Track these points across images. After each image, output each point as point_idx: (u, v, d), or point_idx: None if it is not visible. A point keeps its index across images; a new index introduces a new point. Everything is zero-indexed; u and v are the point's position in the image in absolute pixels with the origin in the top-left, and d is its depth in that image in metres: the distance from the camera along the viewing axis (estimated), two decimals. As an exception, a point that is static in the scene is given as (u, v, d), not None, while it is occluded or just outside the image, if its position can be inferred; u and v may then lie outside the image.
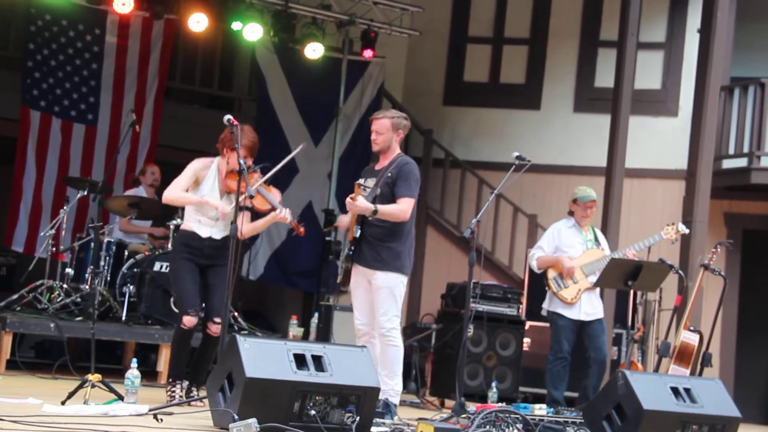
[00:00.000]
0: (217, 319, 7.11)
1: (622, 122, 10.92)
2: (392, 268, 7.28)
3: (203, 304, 7.25)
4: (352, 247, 7.33)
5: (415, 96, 14.33)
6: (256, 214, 7.26)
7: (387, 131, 7.35)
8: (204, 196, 7.10)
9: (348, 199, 7.18)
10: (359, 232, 7.29)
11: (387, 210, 7.19)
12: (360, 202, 7.13)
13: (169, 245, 9.73)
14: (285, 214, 7.07)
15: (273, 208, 7.14)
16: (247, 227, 7.18)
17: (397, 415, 7.27)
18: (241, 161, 6.85)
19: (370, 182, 7.38)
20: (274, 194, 7.24)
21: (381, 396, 6.97)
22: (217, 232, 7.17)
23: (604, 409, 6.64)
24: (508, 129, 13.87)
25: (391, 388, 7.27)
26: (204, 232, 7.14)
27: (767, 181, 12.54)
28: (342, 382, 5.90)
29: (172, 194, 7.09)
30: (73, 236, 10.38)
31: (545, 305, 8.96)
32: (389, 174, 7.29)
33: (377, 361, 7.20)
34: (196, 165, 7.15)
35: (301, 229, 7.25)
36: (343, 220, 7.58)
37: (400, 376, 7.41)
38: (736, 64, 13.17)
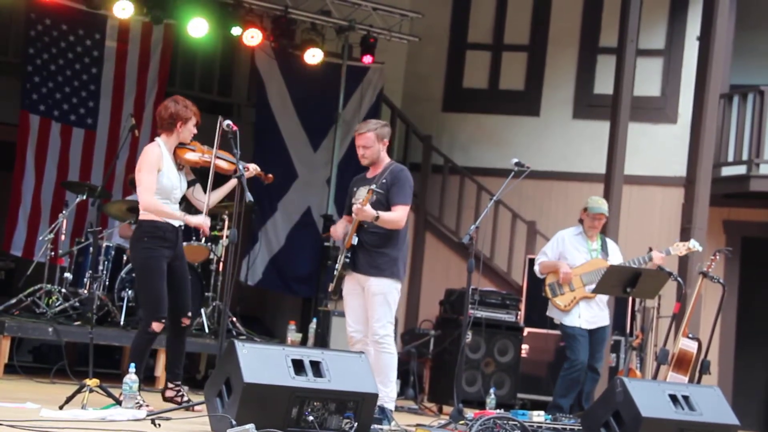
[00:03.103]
0: (189, 314, 7.20)
1: (622, 129, 10.92)
2: (387, 274, 7.30)
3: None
4: (349, 254, 7.35)
5: (414, 102, 14.34)
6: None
7: (374, 144, 7.41)
8: (171, 183, 7.01)
9: (358, 205, 7.20)
10: (356, 239, 7.32)
11: (387, 217, 7.24)
12: (368, 209, 7.15)
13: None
14: (252, 169, 7.16)
15: (236, 168, 7.11)
16: (213, 196, 7.15)
17: (394, 420, 7.27)
18: (240, 167, 6.89)
19: (364, 190, 7.39)
20: (230, 156, 7.21)
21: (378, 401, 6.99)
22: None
23: (603, 416, 6.64)
24: (508, 135, 13.88)
25: (386, 395, 7.26)
26: (176, 222, 7.06)
27: (766, 189, 12.55)
28: (340, 387, 5.90)
29: (152, 204, 6.94)
30: (72, 241, 10.37)
31: (548, 312, 8.97)
32: (384, 180, 7.34)
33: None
34: (152, 157, 6.97)
35: (270, 176, 7.38)
36: (337, 230, 7.56)
37: (395, 383, 7.42)
38: (735, 72, 13.19)
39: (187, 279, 7.20)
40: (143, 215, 7.05)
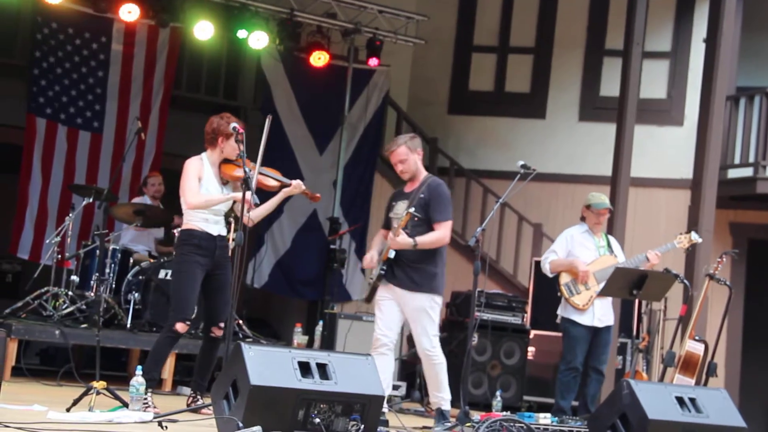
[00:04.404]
0: (222, 324, 7.16)
1: (628, 131, 10.91)
2: (426, 289, 7.43)
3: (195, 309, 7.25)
4: (384, 267, 7.45)
5: (420, 105, 14.34)
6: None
7: (408, 156, 7.54)
8: (209, 193, 7.09)
9: (390, 236, 7.35)
10: (393, 253, 7.43)
11: (427, 240, 7.37)
12: (401, 239, 7.29)
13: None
14: (300, 185, 7.20)
15: (282, 185, 7.20)
16: (256, 212, 7.20)
17: (449, 422, 7.41)
18: (247, 169, 6.89)
19: (402, 205, 7.51)
20: (275, 173, 7.30)
21: (434, 406, 7.51)
22: (223, 229, 7.19)
23: (609, 419, 6.64)
24: (514, 138, 13.87)
25: (442, 398, 7.51)
26: (214, 230, 7.13)
27: (773, 191, 12.53)
28: (346, 390, 5.90)
29: (198, 199, 7.03)
30: (79, 243, 10.38)
31: (559, 311, 8.90)
32: (422, 195, 7.45)
33: (383, 371, 7.31)
34: (193, 166, 7.12)
35: (317, 195, 7.46)
36: (372, 260, 7.59)
37: (447, 386, 7.56)
38: (741, 74, 13.17)
39: (226, 290, 7.13)
40: (184, 224, 7.21)
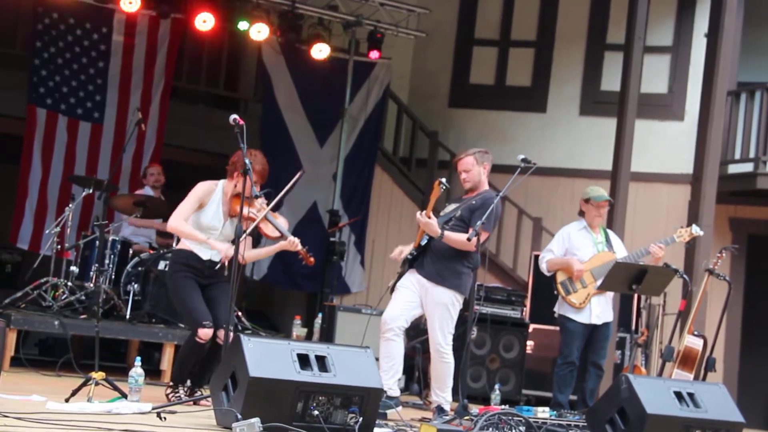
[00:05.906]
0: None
1: (628, 126, 10.90)
2: (450, 285, 7.50)
3: None
4: (414, 253, 7.56)
5: (421, 98, 14.33)
6: (258, 239, 7.28)
7: (473, 167, 7.71)
8: (209, 222, 7.04)
9: (420, 215, 7.45)
10: (426, 240, 7.53)
11: (453, 237, 7.44)
12: (431, 222, 7.41)
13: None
14: (296, 243, 7.11)
15: (281, 236, 7.16)
16: (250, 253, 7.26)
17: (448, 415, 7.45)
18: (247, 161, 6.84)
19: (452, 206, 7.68)
20: (281, 222, 7.24)
21: (434, 404, 7.65)
22: (217, 255, 7.09)
23: (608, 413, 6.64)
24: (514, 132, 13.87)
25: (444, 398, 7.62)
26: (204, 254, 7.10)
27: (773, 187, 12.52)
28: (345, 382, 5.90)
29: (178, 225, 7.02)
30: (78, 234, 10.38)
31: (556, 308, 8.90)
32: (473, 201, 7.59)
33: (392, 356, 7.51)
34: (200, 190, 7.08)
35: (311, 259, 7.28)
36: (400, 252, 7.68)
37: (451, 388, 7.64)
38: (743, 69, 13.16)
39: (222, 300, 7.02)
40: (180, 244, 7.24)
